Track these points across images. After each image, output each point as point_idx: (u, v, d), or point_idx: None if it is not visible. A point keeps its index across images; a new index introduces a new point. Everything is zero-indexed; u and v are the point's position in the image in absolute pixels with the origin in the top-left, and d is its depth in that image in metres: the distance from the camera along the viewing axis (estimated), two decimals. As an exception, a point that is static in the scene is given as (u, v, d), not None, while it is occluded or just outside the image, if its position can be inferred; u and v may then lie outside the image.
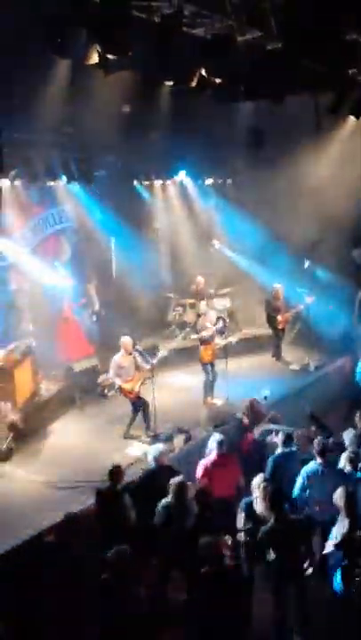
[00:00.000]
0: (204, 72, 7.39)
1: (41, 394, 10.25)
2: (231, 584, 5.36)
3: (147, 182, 13.11)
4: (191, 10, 7.10)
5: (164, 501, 6.39)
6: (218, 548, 5.47)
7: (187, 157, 13.00)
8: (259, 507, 6.19)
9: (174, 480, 6.43)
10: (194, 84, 7.61)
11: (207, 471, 7.18)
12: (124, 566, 5.14)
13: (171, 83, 7.79)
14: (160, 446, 7.49)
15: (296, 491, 6.69)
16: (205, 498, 6.53)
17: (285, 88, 8.32)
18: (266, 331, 12.86)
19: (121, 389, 9.40)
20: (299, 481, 6.72)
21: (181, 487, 6.32)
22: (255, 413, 8.60)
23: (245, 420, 8.52)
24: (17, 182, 10.34)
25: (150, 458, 7.25)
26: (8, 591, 5.33)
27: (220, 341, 10.65)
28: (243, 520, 6.37)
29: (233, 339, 11.40)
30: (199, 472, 7.22)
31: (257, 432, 8.27)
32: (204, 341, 10.43)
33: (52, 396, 10.40)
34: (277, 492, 6.07)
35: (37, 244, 11.71)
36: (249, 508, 6.32)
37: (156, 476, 6.96)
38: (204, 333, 10.39)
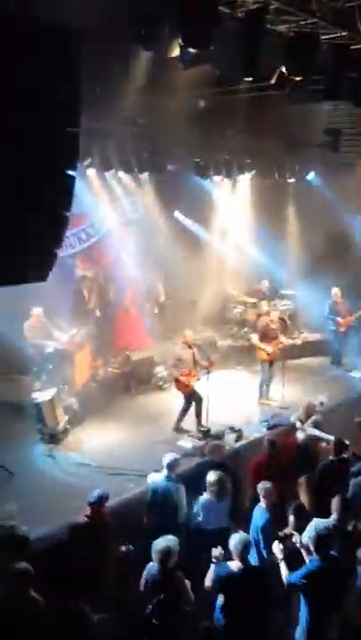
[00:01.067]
0: (284, 70, 7.28)
1: (98, 380, 10.44)
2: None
3: (216, 179, 13.07)
4: (276, 6, 7.01)
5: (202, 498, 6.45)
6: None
7: (259, 156, 12.88)
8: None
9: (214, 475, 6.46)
10: (273, 81, 7.51)
11: (257, 471, 7.16)
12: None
13: (250, 79, 7.68)
14: (216, 442, 7.50)
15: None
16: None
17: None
18: (327, 335, 12.64)
19: (177, 382, 9.45)
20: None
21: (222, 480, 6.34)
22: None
23: (299, 424, 8.41)
24: (90, 171, 10.53)
25: (207, 452, 7.27)
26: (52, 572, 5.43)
27: (283, 340, 10.56)
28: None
29: (298, 340, 11.28)
30: (249, 471, 7.21)
31: (301, 435, 8.15)
32: (264, 339, 10.36)
33: (109, 383, 10.58)
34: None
35: (105, 233, 11.88)
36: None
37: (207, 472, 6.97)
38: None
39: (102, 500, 6.19)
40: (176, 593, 5.30)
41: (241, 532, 5.56)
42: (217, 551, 5.46)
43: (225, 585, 5.25)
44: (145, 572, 5.41)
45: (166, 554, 5.24)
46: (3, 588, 4.92)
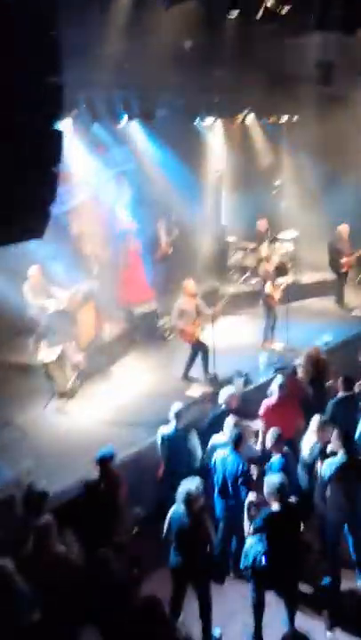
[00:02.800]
0: (270, 3, 7.01)
1: (103, 336, 10.48)
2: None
3: (209, 121, 12.74)
4: None
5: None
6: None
7: (251, 95, 12.50)
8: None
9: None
10: (260, 15, 7.24)
11: (268, 411, 7.27)
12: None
13: (236, 13, 7.39)
14: (231, 388, 7.58)
15: (358, 434, 6.71)
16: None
17: (358, 19, 7.83)
18: (330, 275, 12.58)
19: (182, 333, 9.47)
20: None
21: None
22: (317, 365, 8.41)
23: (300, 375, 8.40)
24: (78, 123, 10.25)
25: (221, 400, 7.36)
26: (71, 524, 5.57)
27: (282, 281, 10.53)
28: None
29: (296, 278, 11.20)
30: (261, 412, 7.32)
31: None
32: (266, 283, 10.34)
33: (114, 338, 10.62)
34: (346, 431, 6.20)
35: (99, 186, 11.67)
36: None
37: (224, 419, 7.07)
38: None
39: (108, 458, 6.25)
40: (204, 535, 5.46)
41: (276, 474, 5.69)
42: (253, 496, 5.63)
43: (268, 525, 5.40)
44: (170, 516, 5.56)
45: (193, 496, 5.38)
46: (29, 541, 5.05)
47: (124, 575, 5.01)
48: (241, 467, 6.15)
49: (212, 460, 6.49)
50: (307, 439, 6.68)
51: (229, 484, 6.22)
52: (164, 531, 5.63)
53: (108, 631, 4.75)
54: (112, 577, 4.88)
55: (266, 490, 5.47)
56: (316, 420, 6.63)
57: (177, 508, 5.53)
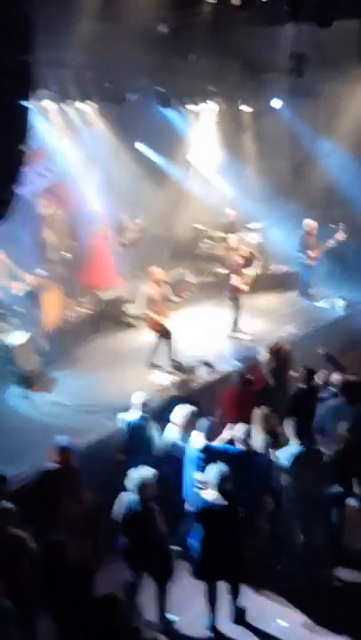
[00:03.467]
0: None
1: (68, 320, 10.38)
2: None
3: (180, 107, 12.65)
4: None
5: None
6: None
7: (223, 81, 12.46)
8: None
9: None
10: (237, 1, 7.18)
11: (227, 401, 7.33)
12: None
13: (212, -1, 7.33)
14: (184, 378, 7.60)
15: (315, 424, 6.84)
16: None
17: (333, 12, 7.85)
18: (296, 267, 12.69)
19: (146, 319, 9.44)
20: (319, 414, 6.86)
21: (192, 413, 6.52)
22: (279, 356, 8.48)
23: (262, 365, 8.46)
24: (47, 103, 10.08)
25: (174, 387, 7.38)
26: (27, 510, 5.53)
27: (249, 272, 10.57)
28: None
29: (267, 271, 11.27)
30: (221, 400, 7.37)
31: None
32: (233, 273, 10.37)
33: (79, 322, 10.53)
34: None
35: (68, 168, 11.50)
36: None
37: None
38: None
39: (67, 449, 6.20)
40: (152, 523, 5.48)
41: (219, 462, 5.70)
42: (200, 475, 5.64)
43: (204, 516, 5.43)
44: (119, 501, 5.55)
45: (143, 484, 5.40)
46: None
47: (79, 561, 5.00)
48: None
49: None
50: (254, 430, 6.76)
51: None
52: (113, 514, 5.59)
53: (63, 619, 4.75)
54: (66, 562, 4.87)
55: (207, 478, 5.52)
56: (258, 411, 6.70)
57: (127, 495, 5.51)
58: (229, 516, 5.46)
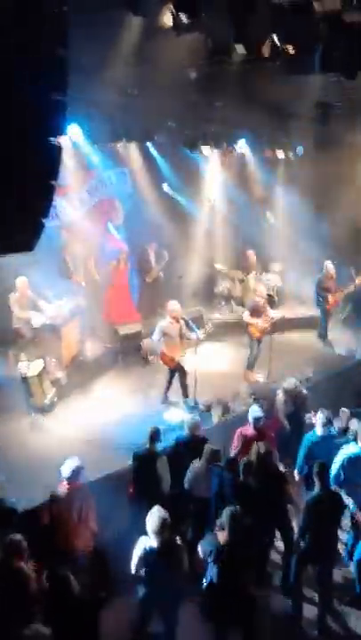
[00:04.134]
0: (276, 40, 7.18)
1: (85, 353, 10.43)
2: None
3: (205, 151, 12.93)
4: (270, -25, 6.88)
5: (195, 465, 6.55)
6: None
7: (249, 127, 12.74)
8: None
9: (209, 446, 6.55)
10: (266, 53, 7.40)
11: (242, 441, 7.25)
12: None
13: (242, 48, 7.55)
14: (196, 417, 7.56)
15: (333, 471, 6.72)
16: (235, 466, 6.59)
17: (359, 64, 8.04)
18: (314, 311, 12.69)
19: (162, 356, 9.44)
20: (337, 462, 6.73)
21: (215, 453, 6.48)
22: (295, 399, 8.46)
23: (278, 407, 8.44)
24: (78, 140, 10.34)
25: (185, 427, 7.33)
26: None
27: (268, 313, 10.59)
28: None
29: (285, 315, 11.33)
30: (235, 440, 7.30)
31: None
32: (254, 315, 10.38)
33: (96, 356, 10.57)
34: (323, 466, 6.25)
35: (93, 205, 11.74)
36: None
37: (189, 446, 7.06)
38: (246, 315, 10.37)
39: (76, 474, 6.17)
40: (176, 565, 5.36)
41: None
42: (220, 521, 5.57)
43: (217, 557, 5.32)
44: (140, 549, 5.41)
45: (160, 526, 5.28)
46: None
47: (85, 595, 4.91)
48: None
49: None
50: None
51: None
52: (134, 565, 5.44)
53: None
54: (72, 596, 4.79)
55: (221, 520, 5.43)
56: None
57: (147, 540, 5.38)
58: (242, 556, 5.35)
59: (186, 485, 6.73)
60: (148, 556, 5.34)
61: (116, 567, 6.12)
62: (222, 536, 5.35)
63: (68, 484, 6.07)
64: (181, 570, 5.38)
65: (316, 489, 6.14)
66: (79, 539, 5.90)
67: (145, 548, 5.35)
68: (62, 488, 6.07)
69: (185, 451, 7.07)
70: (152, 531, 5.29)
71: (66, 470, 6.10)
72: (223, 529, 5.37)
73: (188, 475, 6.71)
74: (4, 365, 9.27)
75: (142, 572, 5.40)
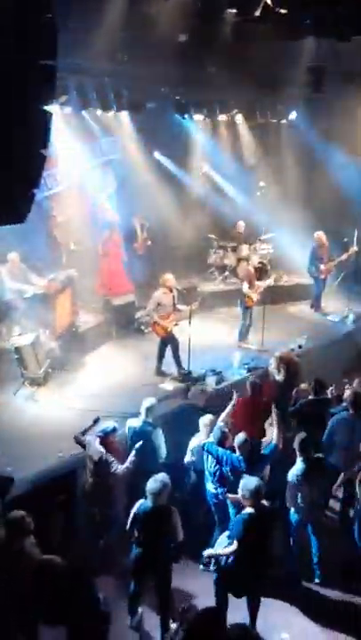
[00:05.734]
0: (269, 1, 7.02)
1: (79, 325, 10.41)
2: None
3: (197, 118, 12.73)
4: None
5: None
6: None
7: (241, 93, 12.54)
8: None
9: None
10: (258, 13, 7.24)
11: (238, 410, 7.31)
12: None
13: (234, 10, 7.39)
14: (200, 387, 7.61)
15: (324, 436, 6.81)
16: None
17: (354, 26, 7.91)
18: (307, 279, 12.69)
19: (155, 326, 9.44)
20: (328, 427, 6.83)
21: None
22: (288, 368, 8.48)
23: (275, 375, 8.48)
24: (67, 109, 10.18)
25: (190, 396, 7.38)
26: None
27: (261, 284, 10.59)
28: None
29: (279, 282, 11.27)
30: (230, 409, 7.35)
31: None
32: (251, 286, 10.38)
33: (90, 327, 10.56)
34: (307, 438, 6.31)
35: (84, 174, 11.58)
36: None
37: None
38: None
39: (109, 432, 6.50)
40: (168, 528, 5.47)
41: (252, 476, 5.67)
42: (233, 496, 5.68)
43: (243, 529, 5.37)
44: (135, 510, 5.56)
45: (160, 490, 5.41)
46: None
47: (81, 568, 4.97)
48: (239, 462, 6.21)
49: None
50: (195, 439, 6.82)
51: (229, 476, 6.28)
52: (129, 524, 5.62)
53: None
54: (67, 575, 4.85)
55: (241, 492, 5.47)
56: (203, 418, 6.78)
57: (144, 502, 5.53)
58: (265, 529, 5.45)
59: (186, 460, 6.76)
60: (142, 515, 5.49)
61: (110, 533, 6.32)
62: (250, 506, 5.41)
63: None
64: (172, 534, 5.49)
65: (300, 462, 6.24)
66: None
67: (140, 508, 5.52)
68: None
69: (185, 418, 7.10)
70: (150, 491, 5.43)
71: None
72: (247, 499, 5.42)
73: (191, 450, 6.73)
74: (-2, 337, 9.27)
75: (135, 531, 5.54)
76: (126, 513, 5.77)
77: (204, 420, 6.83)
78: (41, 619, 4.93)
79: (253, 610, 5.65)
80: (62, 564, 4.84)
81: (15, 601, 4.79)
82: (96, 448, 6.36)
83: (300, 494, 6.22)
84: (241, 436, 6.33)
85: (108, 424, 6.62)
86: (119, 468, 6.22)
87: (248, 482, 5.48)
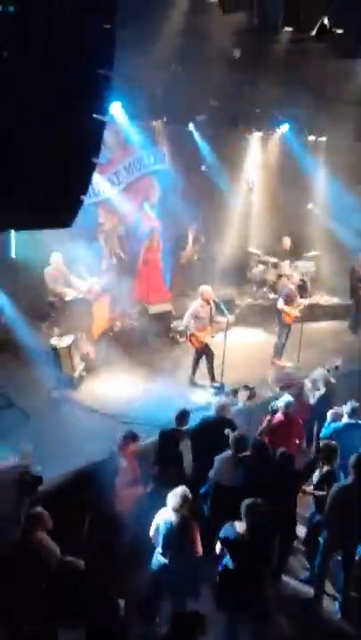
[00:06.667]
0: (326, 21, 7.02)
1: (115, 330, 10.50)
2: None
3: (247, 132, 12.76)
4: None
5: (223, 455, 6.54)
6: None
7: (293, 111, 12.51)
8: None
9: (234, 435, 6.53)
10: (314, 32, 7.25)
11: (272, 429, 7.25)
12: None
13: (290, 29, 7.41)
14: (225, 399, 7.57)
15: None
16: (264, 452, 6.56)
17: None
18: (346, 300, 12.53)
19: (191, 337, 9.45)
20: None
21: (241, 440, 6.43)
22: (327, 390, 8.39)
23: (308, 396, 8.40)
24: (118, 117, 10.32)
25: (213, 408, 7.35)
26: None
27: (301, 301, 10.49)
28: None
29: (318, 302, 11.15)
30: (264, 427, 7.30)
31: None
32: (288, 302, 10.31)
33: (125, 334, 10.63)
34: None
35: (130, 182, 11.72)
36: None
37: (215, 428, 7.05)
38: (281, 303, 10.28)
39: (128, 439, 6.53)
40: (190, 541, 5.44)
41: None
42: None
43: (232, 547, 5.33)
44: (158, 519, 5.54)
45: (180, 505, 5.38)
46: (19, 526, 5.08)
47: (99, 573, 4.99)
48: None
49: None
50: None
51: None
52: (151, 533, 5.61)
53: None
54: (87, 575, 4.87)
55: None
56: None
57: (165, 512, 5.51)
58: (259, 547, 5.36)
59: (211, 474, 6.67)
60: (164, 528, 5.46)
61: (134, 540, 6.26)
62: (241, 526, 5.35)
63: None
64: (193, 549, 5.45)
65: (350, 479, 6.09)
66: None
67: (162, 520, 5.49)
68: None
69: (210, 432, 7.07)
70: (172, 506, 5.40)
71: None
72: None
73: (216, 464, 6.67)
74: (36, 338, 9.39)
75: (157, 542, 5.52)
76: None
77: (232, 437, 6.67)
78: (58, 618, 4.95)
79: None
80: (81, 565, 4.86)
81: (30, 598, 4.82)
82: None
83: (339, 514, 6.08)
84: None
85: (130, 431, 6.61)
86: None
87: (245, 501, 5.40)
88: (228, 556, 5.36)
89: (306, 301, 10.67)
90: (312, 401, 8.31)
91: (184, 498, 5.41)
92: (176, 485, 5.60)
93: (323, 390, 8.22)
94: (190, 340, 9.49)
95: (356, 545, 6.26)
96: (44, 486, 6.13)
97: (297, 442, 7.28)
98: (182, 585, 5.57)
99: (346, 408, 7.33)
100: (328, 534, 6.19)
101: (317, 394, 8.28)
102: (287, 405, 7.36)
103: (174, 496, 5.44)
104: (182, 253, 12.34)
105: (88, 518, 6.44)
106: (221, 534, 5.40)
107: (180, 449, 6.74)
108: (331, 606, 6.38)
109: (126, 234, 11.69)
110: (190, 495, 5.50)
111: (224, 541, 5.34)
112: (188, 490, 5.52)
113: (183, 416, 6.92)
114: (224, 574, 5.36)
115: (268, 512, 5.34)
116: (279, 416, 7.38)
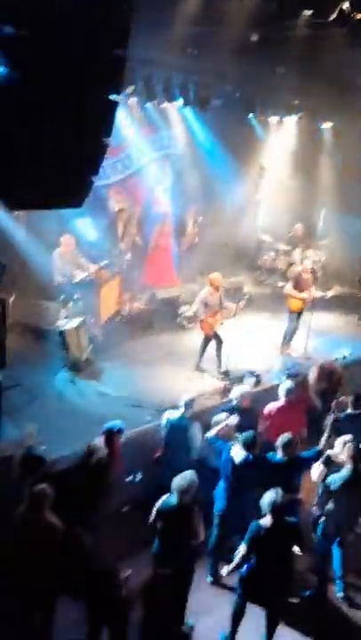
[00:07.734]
0: (346, 6, 6.90)
1: (123, 314, 10.51)
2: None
3: (262, 117, 12.64)
4: None
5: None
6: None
7: (309, 97, 12.37)
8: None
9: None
10: (333, 17, 7.13)
11: (271, 415, 7.24)
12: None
13: (309, 13, 7.29)
14: (245, 387, 7.56)
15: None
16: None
17: None
18: (357, 290, 12.46)
19: (201, 323, 9.45)
20: None
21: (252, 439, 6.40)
22: (330, 378, 8.36)
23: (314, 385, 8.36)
24: (133, 99, 10.25)
25: (233, 397, 7.35)
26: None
27: (313, 293, 10.42)
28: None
29: (328, 293, 11.10)
30: (265, 412, 7.30)
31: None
32: (296, 289, 10.26)
33: (134, 318, 10.64)
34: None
35: (142, 165, 11.66)
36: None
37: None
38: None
39: (116, 431, 6.37)
40: (191, 528, 5.48)
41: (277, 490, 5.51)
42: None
43: (254, 541, 5.36)
44: (160, 504, 5.57)
45: (186, 487, 5.41)
46: (23, 503, 5.12)
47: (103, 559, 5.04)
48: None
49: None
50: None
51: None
52: (152, 517, 5.63)
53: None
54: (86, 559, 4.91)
55: (263, 504, 5.39)
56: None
57: (169, 498, 5.55)
58: (285, 541, 5.40)
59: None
60: (166, 511, 5.49)
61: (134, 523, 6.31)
62: (266, 520, 5.34)
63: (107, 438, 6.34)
64: (193, 534, 5.49)
65: (347, 469, 6.11)
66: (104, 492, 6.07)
67: (164, 503, 5.53)
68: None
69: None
70: (177, 489, 5.43)
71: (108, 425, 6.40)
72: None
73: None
74: (45, 319, 9.42)
75: (158, 525, 5.56)
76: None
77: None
78: (60, 590, 5.02)
79: (271, 625, 5.55)
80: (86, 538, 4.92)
81: (34, 571, 4.88)
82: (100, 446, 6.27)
83: (335, 502, 6.11)
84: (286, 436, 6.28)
85: (115, 422, 6.44)
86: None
87: (268, 494, 5.39)
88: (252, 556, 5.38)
89: (316, 292, 10.58)
90: (317, 388, 8.28)
91: (191, 482, 5.45)
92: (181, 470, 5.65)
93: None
94: (201, 326, 9.49)
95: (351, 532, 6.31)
96: (49, 466, 6.19)
97: (297, 430, 7.23)
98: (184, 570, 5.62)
99: (350, 398, 7.32)
100: (327, 522, 6.23)
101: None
102: (288, 392, 7.34)
103: (182, 479, 5.48)
104: (183, 239, 12.28)
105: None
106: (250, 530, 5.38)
107: (189, 436, 6.77)
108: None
109: (139, 216, 11.66)
110: (194, 481, 5.53)
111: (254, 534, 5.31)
112: (195, 476, 5.55)
113: (190, 403, 6.93)
114: (250, 573, 5.39)
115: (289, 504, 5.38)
116: (280, 402, 7.37)
